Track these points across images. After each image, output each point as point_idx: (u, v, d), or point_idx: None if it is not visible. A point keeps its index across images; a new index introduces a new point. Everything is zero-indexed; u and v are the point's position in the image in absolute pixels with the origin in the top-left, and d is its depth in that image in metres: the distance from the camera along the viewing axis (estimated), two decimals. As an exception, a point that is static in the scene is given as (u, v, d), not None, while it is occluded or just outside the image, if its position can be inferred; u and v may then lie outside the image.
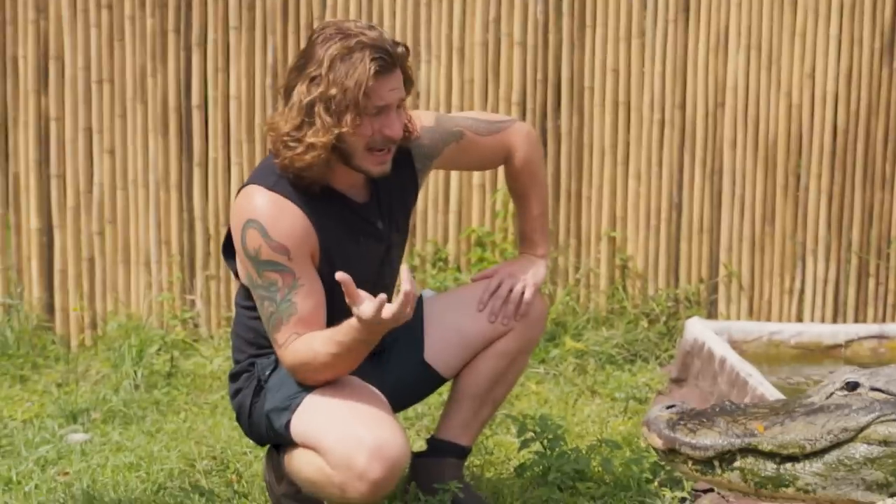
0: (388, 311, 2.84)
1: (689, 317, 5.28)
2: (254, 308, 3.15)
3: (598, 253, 5.84)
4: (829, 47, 5.76)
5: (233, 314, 3.68)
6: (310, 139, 2.95)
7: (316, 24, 5.56)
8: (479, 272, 3.54)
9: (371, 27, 3.05)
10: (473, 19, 5.65)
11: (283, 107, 3.05)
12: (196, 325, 5.59)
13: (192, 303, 5.60)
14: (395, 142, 3.09)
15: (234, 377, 3.29)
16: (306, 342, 3.00)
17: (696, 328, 4.90)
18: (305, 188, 3.06)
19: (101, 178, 5.55)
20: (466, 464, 3.68)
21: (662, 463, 3.78)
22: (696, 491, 3.67)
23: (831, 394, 2.85)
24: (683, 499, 3.59)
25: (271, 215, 3.00)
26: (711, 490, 3.65)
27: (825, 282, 5.93)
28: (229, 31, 5.54)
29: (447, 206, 5.71)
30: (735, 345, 4.72)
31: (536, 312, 3.46)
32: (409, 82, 3.12)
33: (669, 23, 5.73)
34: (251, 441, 3.46)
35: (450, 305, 3.45)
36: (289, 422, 3.07)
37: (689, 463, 2.81)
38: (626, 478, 3.68)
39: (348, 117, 2.95)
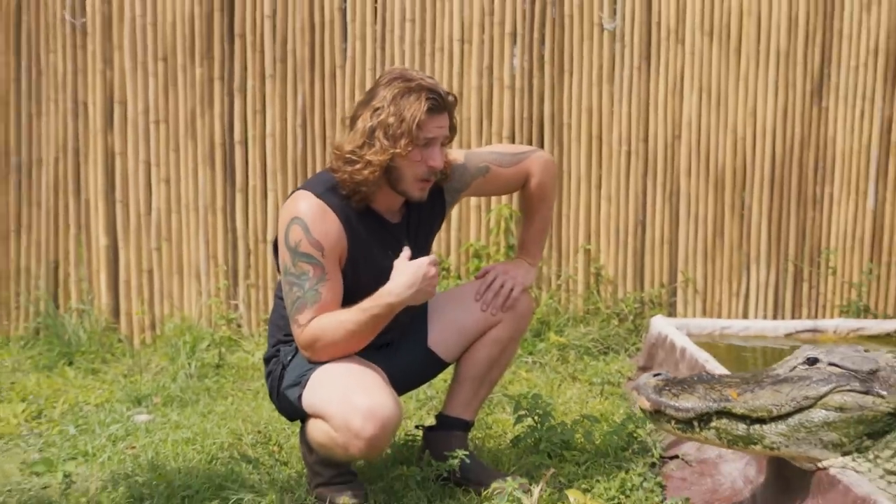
0: (421, 260, 3.01)
1: (653, 315, 5.29)
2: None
3: (575, 263, 5.86)
4: (768, 90, 5.80)
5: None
6: (368, 157, 3.02)
7: (338, 73, 5.61)
8: (481, 269, 3.56)
9: (429, 76, 3.15)
10: (469, 67, 5.68)
11: (348, 132, 3.11)
12: (239, 326, 5.60)
13: (236, 307, 5.61)
14: (436, 173, 3.15)
15: (267, 361, 3.34)
16: (330, 315, 3.05)
17: (660, 324, 4.90)
18: (348, 203, 3.10)
19: (158, 203, 5.57)
20: (470, 436, 3.68)
21: (636, 433, 3.83)
22: (664, 457, 3.66)
23: (794, 367, 2.90)
24: (653, 464, 3.59)
25: (314, 217, 3.04)
26: (676, 457, 3.65)
27: (766, 286, 5.95)
28: (265, 79, 5.57)
29: (449, 224, 5.72)
30: (692, 338, 4.73)
31: (523, 307, 3.47)
32: (453, 129, 3.18)
33: (634, 70, 5.76)
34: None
35: (450, 300, 3.47)
36: (300, 395, 3.11)
37: (672, 423, 2.85)
38: (604, 447, 3.68)
39: (402, 142, 3.01)
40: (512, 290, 3.43)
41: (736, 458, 3.43)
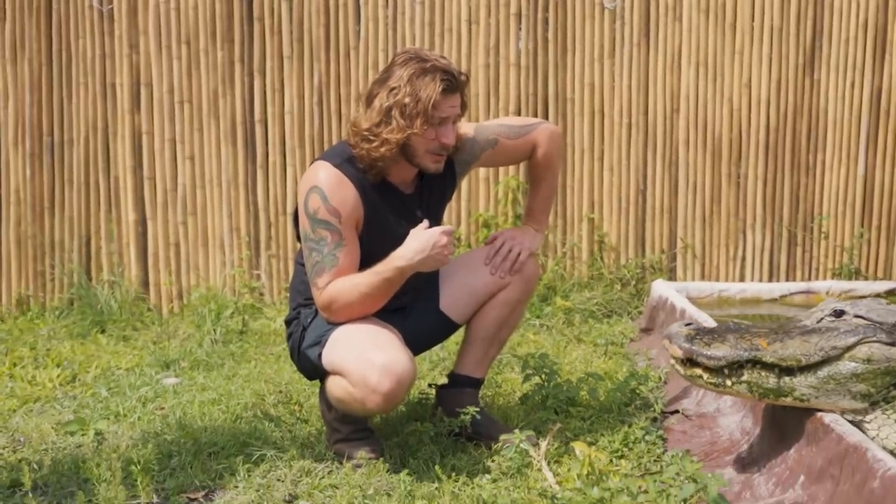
0: (436, 230, 2.97)
1: (653, 280, 5.25)
2: (304, 265, 3.16)
3: (580, 231, 5.81)
4: (763, 62, 5.72)
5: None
6: (385, 135, 3.01)
7: (352, 54, 5.56)
8: (490, 235, 3.52)
9: (443, 57, 3.13)
10: (477, 46, 5.62)
11: (365, 110, 3.09)
12: (261, 294, 5.58)
13: (258, 276, 5.59)
14: (449, 149, 3.14)
15: (288, 323, 3.32)
16: (346, 279, 3.04)
17: (661, 287, 4.87)
18: (364, 173, 3.08)
19: (184, 179, 5.54)
20: (481, 394, 3.65)
21: (639, 390, 3.79)
22: (665, 412, 3.63)
23: (821, 319, 2.86)
24: (655, 418, 3.56)
25: (331, 185, 3.03)
26: (677, 412, 3.63)
27: (762, 250, 5.89)
28: (283, 60, 5.53)
29: (459, 195, 5.67)
30: (691, 301, 4.69)
31: (530, 271, 3.44)
32: (464, 106, 3.16)
33: (634, 46, 5.69)
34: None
35: (460, 265, 3.44)
36: (320, 354, 3.09)
37: (705, 377, 2.81)
38: (608, 403, 3.66)
39: (418, 122, 3.00)
40: (519, 254, 3.40)
41: (733, 412, 3.40)
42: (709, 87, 5.73)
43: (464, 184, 5.65)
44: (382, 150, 3.02)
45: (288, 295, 3.46)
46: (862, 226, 5.91)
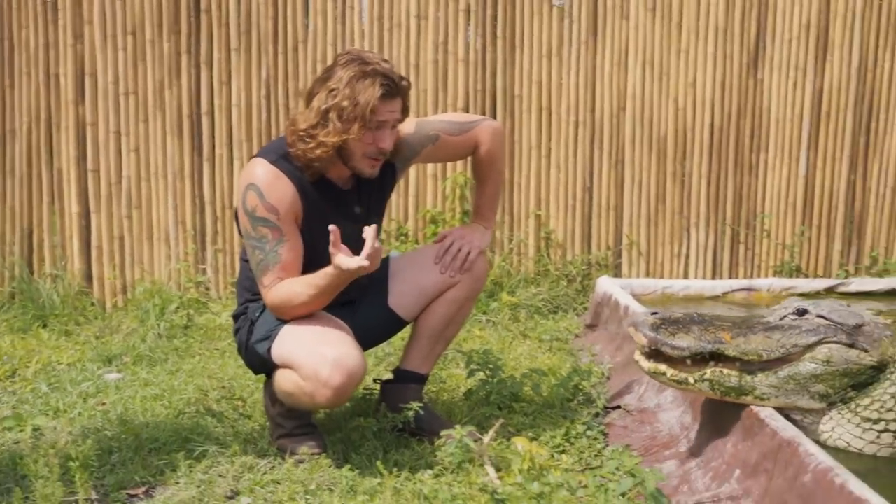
0: (357, 261, 2.86)
1: (599, 276, 5.29)
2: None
3: (527, 227, 5.84)
4: (707, 62, 5.79)
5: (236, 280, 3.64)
6: (322, 138, 2.99)
7: (300, 47, 5.53)
8: (440, 233, 3.52)
9: (385, 60, 3.09)
10: (426, 42, 5.62)
11: (304, 109, 3.06)
12: (207, 289, 5.54)
13: (204, 270, 5.54)
14: (386, 154, 3.13)
15: (235, 318, 3.31)
16: (289, 284, 3.04)
17: (606, 284, 4.90)
18: (301, 170, 3.07)
19: (129, 171, 5.46)
20: (425, 390, 3.66)
21: (581, 386, 3.83)
22: (607, 408, 3.67)
23: (784, 317, 2.92)
24: (597, 414, 3.60)
25: (268, 182, 3.01)
26: (619, 407, 3.66)
27: (706, 248, 5.97)
28: (231, 52, 5.48)
29: (407, 191, 5.68)
30: (635, 297, 4.72)
31: (479, 269, 3.45)
32: (405, 111, 3.15)
33: (582, 44, 5.72)
34: (252, 373, 3.44)
35: (410, 262, 3.44)
36: (270, 348, 3.08)
37: (668, 373, 2.86)
38: (551, 398, 3.68)
39: (355, 126, 2.99)
40: (469, 253, 3.41)
41: (674, 407, 3.44)
42: (654, 86, 5.79)
43: (411, 180, 5.65)
44: (318, 151, 3.01)
45: (234, 290, 3.42)
46: (803, 224, 6.01)
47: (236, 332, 3.30)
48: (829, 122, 5.93)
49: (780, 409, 2.81)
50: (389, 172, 3.33)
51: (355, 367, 2.96)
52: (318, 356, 2.95)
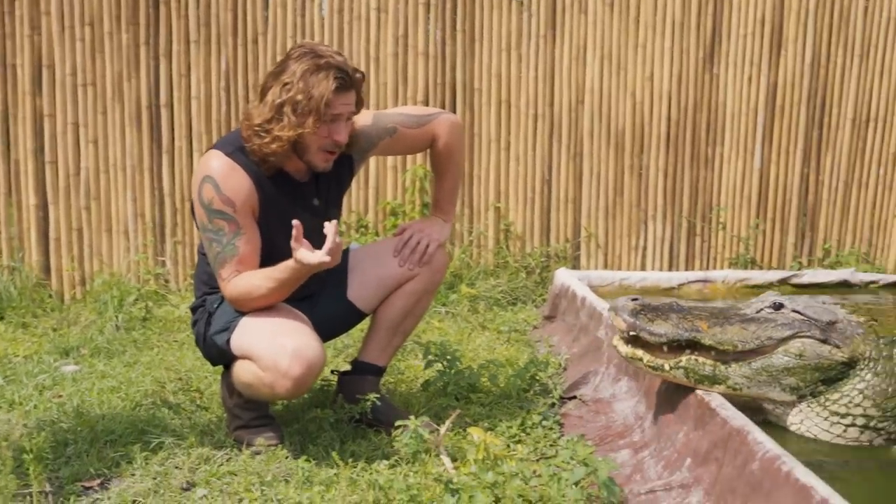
0: (319, 256, 2.84)
1: (557, 268, 5.31)
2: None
3: (486, 220, 5.85)
4: (664, 56, 5.83)
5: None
6: (277, 132, 2.96)
7: (260, 39, 5.49)
8: (399, 226, 3.52)
9: (338, 53, 3.06)
10: (386, 35, 5.61)
11: (258, 103, 3.03)
12: (166, 281, 5.50)
13: (163, 263, 5.50)
14: (341, 147, 3.11)
15: (193, 310, 3.29)
16: (248, 277, 3.01)
17: (563, 276, 4.92)
18: (258, 163, 3.04)
19: (87, 163, 5.41)
20: (383, 381, 3.66)
21: (538, 376, 3.85)
22: (563, 398, 3.69)
23: (760, 310, 2.96)
24: (553, 404, 3.62)
25: (224, 175, 2.98)
26: (574, 397, 3.68)
27: (663, 240, 6.02)
28: (190, 44, 5.43)
29: (367, 183, 5.67)
30: (593, 289, 4.74)
31: (438, 262, 3.45)
32: (360, 103, 3.13)
33: (541, 38, 5.74)
34: (210, 365, 3.42)
35: (369, 254, 3.43)
36: (229, 339, 3.06)
37: (645, 359, 2.90)
38: (508, 389, 3.70)
39: (310, 120, 2.96)
40: (428, 246, 3.41)
41: (628, 398, 3.46)
42: (612, 79, 5.82)
43: (371, 172, 5.64)
44: (274, 146, 2.99)
45: (193, 282, 3.39)
46: (757, 217, 6.08)
47: (194, 323, 3.28)
48: (784, 116, 6.00)
49: (752, 400, 2.89)
50: (347, 165, 3.32)
51: (315, 358, 2.95)
52: (277, 347, 2.93)
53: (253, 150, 3.02)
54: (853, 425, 2.83)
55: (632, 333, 2.91)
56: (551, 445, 3.22)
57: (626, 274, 5.30)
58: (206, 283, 3.22)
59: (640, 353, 2.92)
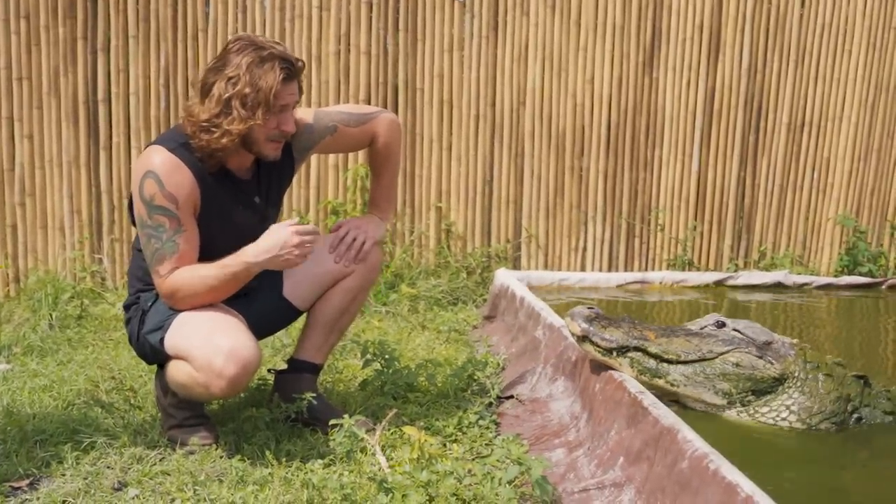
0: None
1: (498, 269, 5.33)
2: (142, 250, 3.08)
3: (428, 220, 5.85)
4: (605, 60, 5.88)
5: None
6: (226, 126, 2.93)
7: (200, 36, 5.44)
8: (336, 223, 3.51)
9: (278, 42, 3.06)
10: (328, 33, 5.58)
11: (200, 99, 2.99)
12: (103, 279, 5.42)
13: (100, 260, 5.42)
14: (288, 136, 3.10)
15: (127, 308, 3.23)
16: (192, 269, 2.97)
17: (503, 276, 4.94)
18: (201, 160, 3.00)
19: (22, 158, 5.32)
20: (320, 380, 3.64)
21: (475, 376, 3.86)
22: (501, 397, 3.70)
23: (704, 327, 3.21)
24: (490, 403, 3.62)
25: (167, 170, 2.93)
26: (512, 397, 3.69)
27: (602, 241, 6.07)
28: (129, 39, 5.36)
29: (308, 182, 5.65)
30: (533, 289, 4.77)
31: (374, 260, 3.44)
32: (300, 91, 3.12)
33: (483, 38, 5.76)
34: (145, 364, 3.37)
35: None
36: (162, 338, 3.02)
37: (595, 347, 3.09)
38: (445, 388, 3.69)
39: (259, 112, 2.94)
40: (364, 243, 3.40)
41: (564, 397, 3.48)
42: (554, 82, 5.86)
43: (312, 171, 5.61)
44: (224, 140, 2.95)
45: (127, 279, 3.33)
46: (695, 219, 6.16)
47: (128, 321, 3.23)
48: (721, 120, 6.08)
49: (685, 398, 3.11)
50: (288, 163, 3.30)
51: (250, 357, 2.92)
52: (211, 346, 2.90)
53: (200, 147, 2.98)
54: None
55: (584, 337, 3.11)
56: (487, 445, 3.22)
57: (566, 274, 5.34)
58: (141, 280, 3.17)
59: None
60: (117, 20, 5.33)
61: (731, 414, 3.07)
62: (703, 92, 6.01)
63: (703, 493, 2.23)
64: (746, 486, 2.09)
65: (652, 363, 3.07)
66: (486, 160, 5.86)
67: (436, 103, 5.76)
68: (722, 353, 3.08)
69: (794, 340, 3.21)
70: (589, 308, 3.19)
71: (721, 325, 3.19)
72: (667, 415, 2.65)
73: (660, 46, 5.95)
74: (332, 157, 5.58)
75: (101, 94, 5.36)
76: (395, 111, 5.69)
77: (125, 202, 5.41)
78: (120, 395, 3.60)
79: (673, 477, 2.40)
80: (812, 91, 6.20)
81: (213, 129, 2.94)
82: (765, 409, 3.05)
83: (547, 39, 5.81)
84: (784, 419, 3.03)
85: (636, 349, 3.07)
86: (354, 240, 3.40)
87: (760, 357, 3.08)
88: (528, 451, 3.08)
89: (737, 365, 3.06)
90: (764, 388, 3.06)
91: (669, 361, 3.07)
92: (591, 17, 5.83)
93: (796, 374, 3.07)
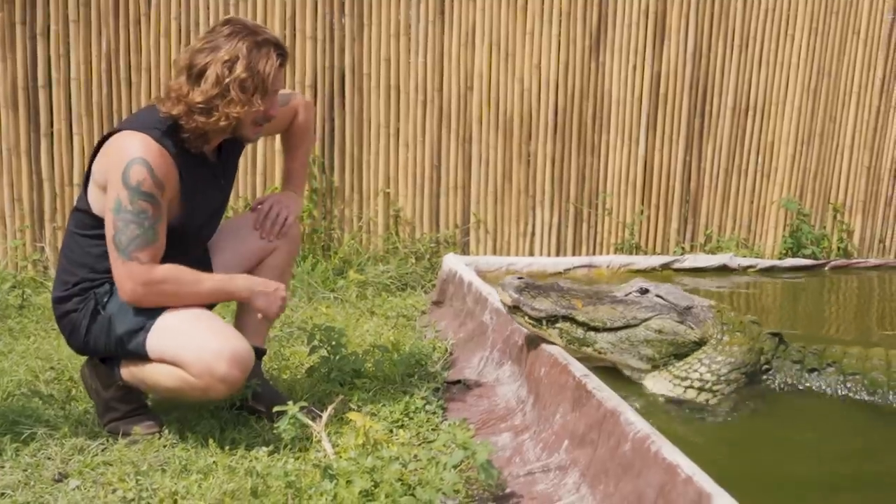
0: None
1: (447, 254, 5.32)
2: (94, 237, 3.01)
3: (376, 205, 5.82)
4: (552, 45, 5.88)
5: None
6: (224, 109, 2.97)
7: (143, 20, 5.35)
8: (256, 199, 3.52)
9: (266, 28, 3.12)
10: (273, 17, 5.52)
11: (188, 81, 2.97)
12: (45, 268, 5.32)
13: (42, 249, 5.32)
14: (271, 119, 3.16)
15: (63, 300, 3.10)
16: (188, 270, 2.98)
17: (451, 261, 4.93)
18: (181, 146, 3.00)
19: (-40, 146, 5.20)
20: (266, 367, 3.61)
21: (423, 361, 3.85)
22: (448, 383, 3.70)
23: (628, 293, 3.35)
24: (437, 389, 3.62)
25: (156, 158, 2.90)
26: (459, 382, 3.70)
27: (550, 226, 6.08)
28: (69, 23, 5.25)
29: (255, 168, 5.59)
30: (481, 274, 4.76)
31: (294, 234, 3.51)
32: None
33: (429, 23, 5.73)
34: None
35: (229, 233, 3.42)
36: (144, 340, 2.95)
37: (526, 318, 3.24)
38: (392, 374, 3.68)
39: (257, 97, 3.01)
40: (287, 218, 3.43)
41: (511, 382, 3.49)
42: (501, 66, 5.85)
43: (259, 157, 5.56)
44: (222, 123, 2.99)
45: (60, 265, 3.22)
46: (642, 203, 6.19)
47: (65, 314, 3.10)
48: (667, 105, 6.12)
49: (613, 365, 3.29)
50: (239, 145, 3.32)
51: (249, 359, 2.94)
52: (210, 352, 2.86)
53: (193, 128, 2.99)
54: (690, 387, 3.21)
55: (515, 306, 3.24)
56: (433, 430, 3.22)
57: (514, 259, 5.34)
58: (87, 267, 3.07)
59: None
60: (57, 4, 5.22)
61: (648, 381, 3.26)
62: (648, 76, 6.04)
63: (646, 474, 2.24)
64: (686, 466, 2.11)
65: (580, 332, 3.22)
66: (433, 145, 5.84)
67: (383, 88, 5.73)
68: (645, 320, 3.24)
69: (712, 303, 3.37)
70: (518, 278, 3.32)
71: (644, 291, 3.33)
72: (610, 397, 2.67)
73: (606, 31, 5.97)
74: (277, 142, 5.53)
75: (41, 80, 5.24)
76: (342, 97, 5.66)
77: (68, 190, 5.31)
78: (60, 386, 3.55)
79: (616, 459, 2.42)
80: (756, 76, 6.26)
81: (213, 111, 2.97)
82: (680, 364, 3.23)
83: (494, 24, 5.80)
84: (695, 370, 3.21)
85: (565, 318, 3.21)
86: (278, 214, 3.43)
87: (681, 322, 3.24)
88: (475, 436, 3.09)
89: (659, 332, 3.23)
90: (685, 352, 3.24)
91: (596, 329, 3.23)
92: (538, 2, 5.83)
93: (714, 335, 3.25)
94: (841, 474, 2.69)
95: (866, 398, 3.25)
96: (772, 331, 3.41)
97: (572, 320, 3.21)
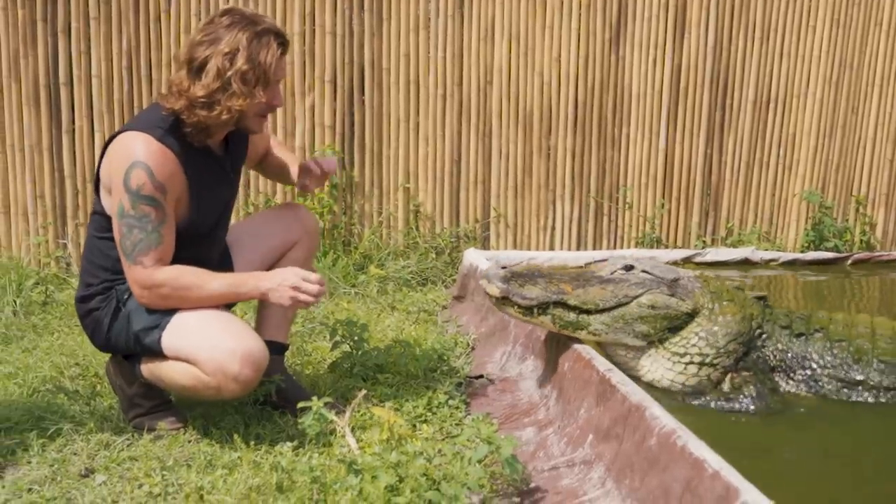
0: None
1: (467, 249, 5.32)
2: (111, 239, 3.01)
3: (396, 200, 5.82)
4: (571, 38, 5.86)
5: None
6: (227, 102, 2.92)
7: (163, 17, 5.36)
8: (301, 163, 3.45)
9: (266, 16, 3.05)
10: (292, 12, 5.52)
11: (189, 75, 2.93)
12: (68, 264, 5.35)
13: (64, 245, 5.35)
14: (275, 110, 3.13)
15: (86, 299, 3.11)
16: (193, 271, 2.94)
17: (472, 256, 4.93)
18: (186, 143, 2.97)
19: (-17, 143, 5.23)
20: (289, 363, 3.62)
21: (445, 356, 3.85)
22: (470, 377, 3.70)
23: (614, 271, 3.30)
24: (460, 383, 3.62)
25: (157, 161, 2.88)
26: (481, 376, 3.70)
27: (571, 220, 6.07)
28: (90, 21, 5.28)
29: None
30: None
31: (311, 225, 3.50)
32: None
33: (449, 17, 5.72)
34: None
35: (246, 233, 3.42)
36: (160, 338, 2.95)
37: (516, 308, 3.17)
38: (415, 369, 3.68)
39: (259, 88, 2.96)
40: (324, 164, 3.39)
41: (533, 376, 3.49)
42: (520, 60, 5.83)
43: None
44: (224, 117, 2.94)
45: (83, 266, 3.23)
46: (663, 197, 6.17)
47: (87, 313, 3.12)
48: (687, 98, 6.09)
49: (607, 346, 3.28)
50: (246, 140, 3.31)
51: (263, 359, 2.91)
52: (223, 351, 2.85)
53: (195, 122, 2.94)
54: (691, 363, 3.21)
55: (504, 297, 3.18)
56: (457, 424, 3.23)
57: (535, 254, 5.33)
58: (108, 269, 3.08)
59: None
60: (78, 2, 5.24)
61: (645, 362, 3.24)
62: (669, 70, 6.01)
63: (672, 469, 2.24)
64: (713, 461, 2.10)
65: (572, 316, 3.17)
66: (453, 140, 5.84)
67: (402, 83, 5.72)
68: (636, 297, 3.20)
69: (697, 273, 3.39)
70: (502, 267, 3.29)
71: (629, 268, 3.29)
72: (635, 391, 2.66)
73: (625, 24, 5.94)
74: (297, 138, 5.54)
75: (62, 78, 5.27)
76: (361, 91, 5.66)
77: (89, 187, 5.34)
78: (85, 382, 3.57)
79: (642, 453, 2.41)
80: (777, 68, 6.22)
81: (215, 105, 2.93)
82: (676, 339, 3.21)
83: (513, 17, 5.78)
84: (694, 345, 3.20)
85: (556, 304, 3.16)
86: (318, 166, 3.40)
87: (672, 295, 3.22)
88: (498, 431, 3.09)
89: (652, 307, 3.19)
90: (678, 325, 3.21)
91: (589, 312, 3.17)
92: (557, -5, 5.82)
93: (704, 305, 3.23)
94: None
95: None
96: (756, 294, 3.42)
97: (564, 305, 3.16)
